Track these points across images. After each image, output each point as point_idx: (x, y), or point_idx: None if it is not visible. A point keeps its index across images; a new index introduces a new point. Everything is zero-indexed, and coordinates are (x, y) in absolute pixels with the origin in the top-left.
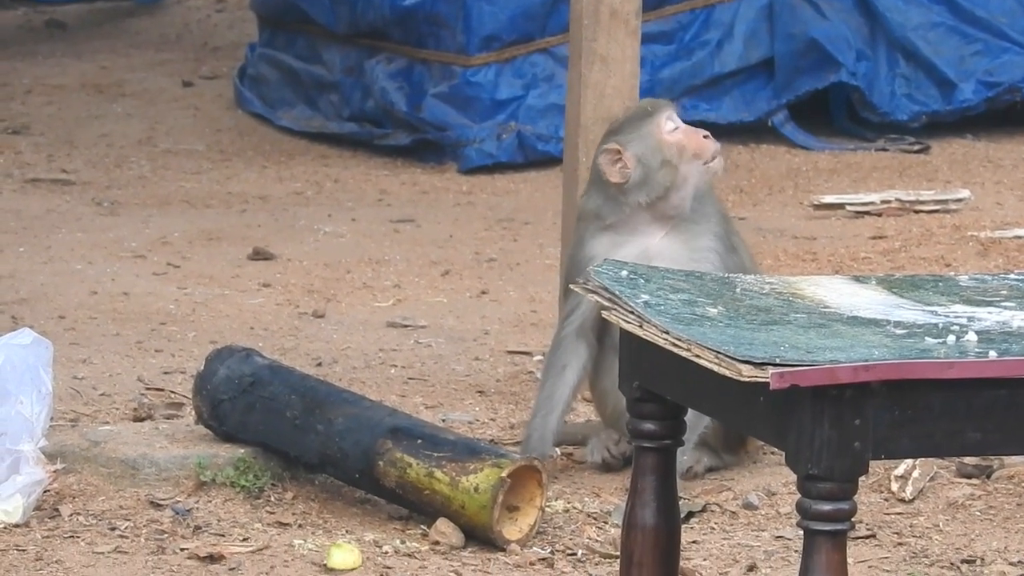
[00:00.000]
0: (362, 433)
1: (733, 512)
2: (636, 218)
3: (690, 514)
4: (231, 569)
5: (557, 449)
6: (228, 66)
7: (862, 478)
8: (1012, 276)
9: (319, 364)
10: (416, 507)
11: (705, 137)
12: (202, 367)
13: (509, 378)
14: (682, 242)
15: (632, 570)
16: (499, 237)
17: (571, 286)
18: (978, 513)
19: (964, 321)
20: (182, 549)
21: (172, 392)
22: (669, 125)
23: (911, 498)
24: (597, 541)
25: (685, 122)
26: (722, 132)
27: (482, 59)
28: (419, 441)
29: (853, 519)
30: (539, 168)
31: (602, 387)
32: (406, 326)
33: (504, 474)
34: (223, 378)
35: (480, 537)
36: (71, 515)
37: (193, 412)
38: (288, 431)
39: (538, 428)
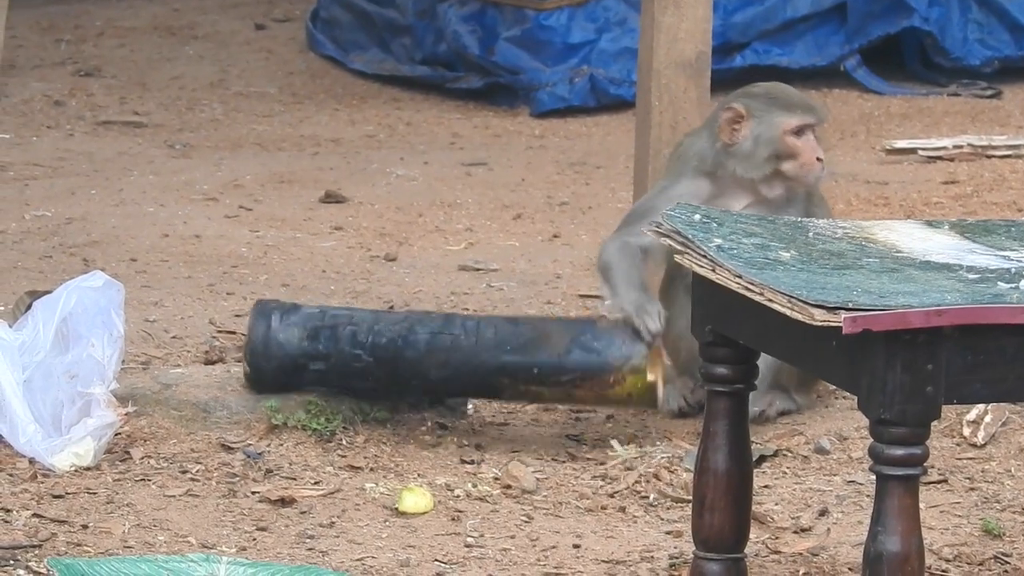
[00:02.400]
0: (467, 381)
1: (805, 456)
2: (731, 181)
3: (762, 458)
4: (302, 512)
5: (660, 307)
6: (301, 8)
7: (934, 423)
8: None
9: (391, 307)
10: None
11: (819, 159)
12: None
13: None
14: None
15: (704, 514)
16: (571, 181)
17: (644, 229)
18: None
19: None
20: (253, 492)
21: (244, 335)
22: (798, 127)
23: (983, 443)
24: (669, 485)
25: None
26: (794, 76)
27: (555, 3)
28: (535, 371)
29: (925, 464)
30: (611, 112)
31: (676, 332)
32: (478, 269)
33: (650, 379)
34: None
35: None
36: (142, 458)
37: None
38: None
39: (634, 302)
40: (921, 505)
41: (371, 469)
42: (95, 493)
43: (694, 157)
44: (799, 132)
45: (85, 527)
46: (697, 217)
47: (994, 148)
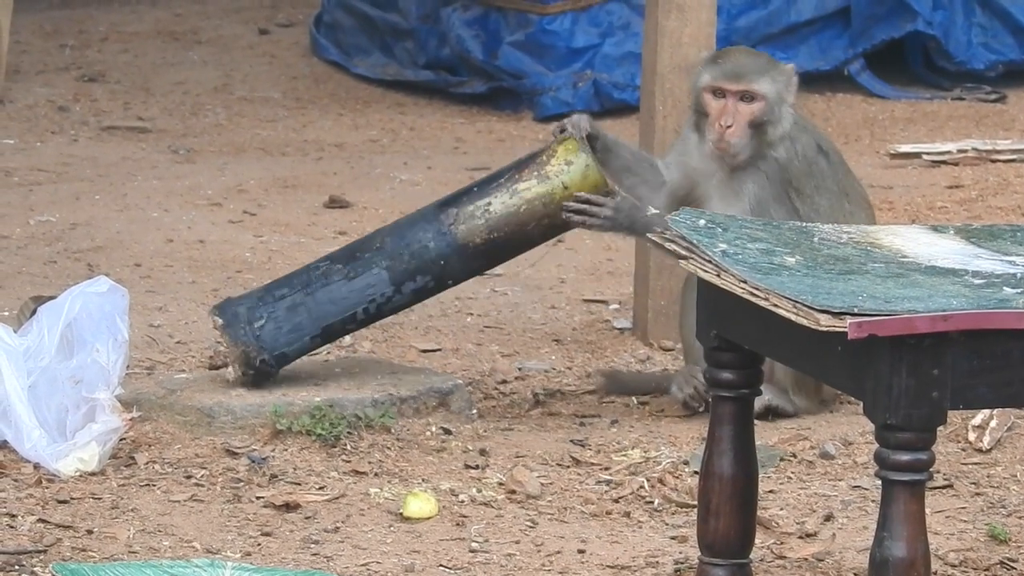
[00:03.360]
0: (415, 229)
1: (810, 461)
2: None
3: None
4: (307, 517)
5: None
6: (304, 13)
7: (940, 428)
8: None
9: None
10: (523, 241)
11: (722, 126)
12: (221, 322)
13: (585, 326)
14: (729, 172)
15: (709, 519)
16: None
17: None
18: None
19: None
20: (258, 497)
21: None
22: (716, 88)
23: (988, 448)
24: (674, 490)
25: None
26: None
27: (558, 7)
28: (473, 190)
29: (931, 469)
30: (615, 116)
31: (690, 322)
32: (482, 274)
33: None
34: (246, 311)
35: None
36: (147, 463)
37: (238, 367)
38: (343, 292)
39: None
40: (927, 510)
41: (375, 474)
42: (100, 498)
43: (692, 122)
44: (717, 93)
45: (90, 532)
46: (702, 222)
47: (999, 152)
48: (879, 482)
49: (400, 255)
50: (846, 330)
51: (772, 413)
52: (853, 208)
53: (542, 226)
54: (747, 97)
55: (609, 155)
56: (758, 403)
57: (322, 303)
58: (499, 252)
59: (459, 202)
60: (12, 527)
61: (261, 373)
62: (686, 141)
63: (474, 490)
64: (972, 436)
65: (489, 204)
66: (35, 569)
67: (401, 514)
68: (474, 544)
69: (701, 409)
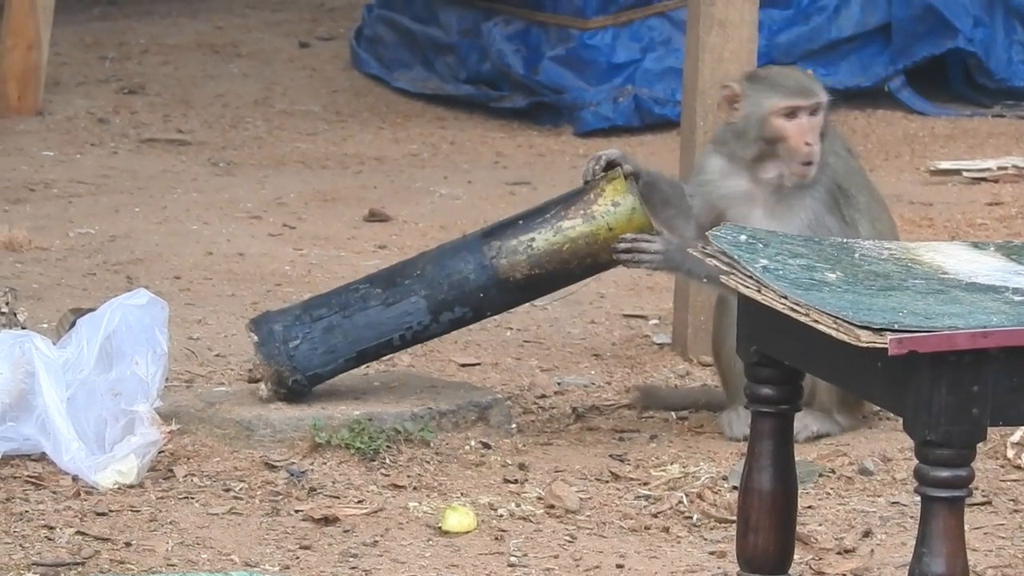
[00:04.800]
0: (457, 259)
1: (849, 477)
2: (736, 160)
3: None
4: (345, 531)
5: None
6: (344, 27)
7: (979, 444)
8: None
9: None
10: (564, 277)
11: (808, 144)
12: (256, 339)
13: (624, 341)
14: (777, 193)
15: (749, 535)
16: None
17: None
18: None
19: None
20: (297, 511)
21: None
22: (790, 109)
23: None
24: (713, 505)
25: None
26: (839, 97)
27: (599, 22)
28: (518, 223)
29: (970, 486)
30: (655, 131)
31: (730, 345)
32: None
33: (624, 174)
34: (282, 330)
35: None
36: (186, 476)
37: (270, 385)
38: (380, 318)
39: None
40: (965, 527)
41: (414, 488)
42: (138, 511)
43: (719, 139)
44: (790, 115)
45: (128, 545)
46: (743, 238)
47: None
48: (918, 498)
49: (439, 284)
50: (887, 346)
51: (818, 438)
52: (876, 202)
53: (584, 264)
54: (816, 111)
55: (651, 190)
56: (804, 432)
57: (359, 327)
58: (539, 287)
59: (503, 235)
60: (50, 539)
61: (293, 392)
62: (707, 169)
63: (513, 504)
64: (1011, 453)
65: (533, 240)
66: None
67: (440, 528)
68: (512, 559)
69: None
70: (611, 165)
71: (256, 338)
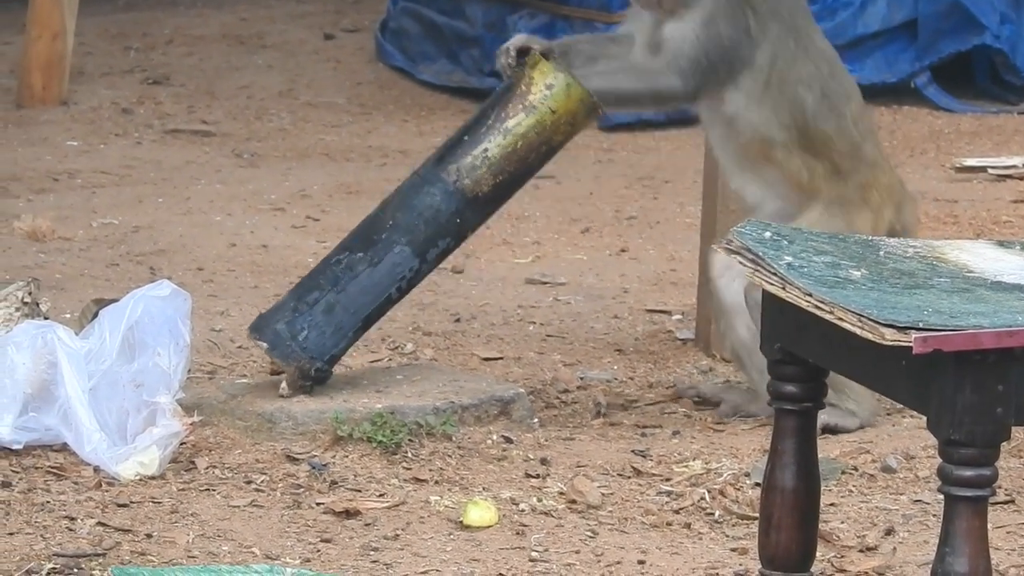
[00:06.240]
0: (422, 195)
1: (871, 475)
2: None
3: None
4: (367, 524)
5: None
6: (369, 19)
7: (1003, 444)
8: None
9: (457, 320)
10: (526, 173)
11: None
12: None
13: (648, 337)
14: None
15: (771, 532)
16: (639, 195)
17: (714, 245)
18: None
19: None
20: (318, 504)
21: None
22: None
23: None
24: (735, 502)
25: None
26: (864, 93)
27: (624, 15)
28: (464, 140)
29: (994, 485)
30: (680, 126)
31: (730, 338)
32: (545, 283)
33: (541, 55)
34: (287, 327)
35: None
36: (207, 468)
37: (294, 381)
38: (373, 279)
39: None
40: (988, 526)
41: (436, 482)
42: (159, 502)
43: None
44: None
45: (149, 536)
46: (768, 234)
47: None
48: (941, 496)
49: (416, 226)
50: (911, 345)
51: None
52: (802, 54)
53: (541, 153)
54: None
55: (572, 55)
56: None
57: (355, 296)
58: (507, 191)
59: (455, 156)
60: (71, 530)
61: (319, 380)
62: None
63: (534, 499)
64: None
65: (486, 150)
66: (94, 572)
67: (461, 522)
68: (534, 553)
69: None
70: (522, 53)
71: (265, 344)
